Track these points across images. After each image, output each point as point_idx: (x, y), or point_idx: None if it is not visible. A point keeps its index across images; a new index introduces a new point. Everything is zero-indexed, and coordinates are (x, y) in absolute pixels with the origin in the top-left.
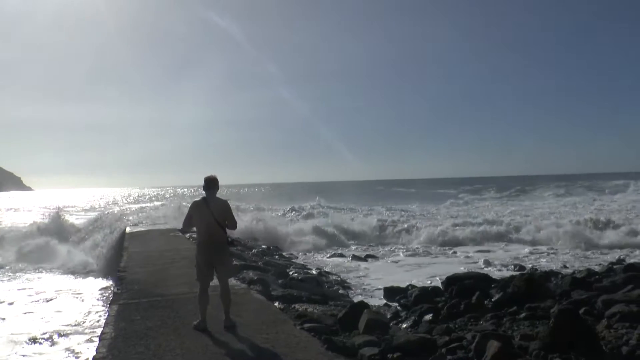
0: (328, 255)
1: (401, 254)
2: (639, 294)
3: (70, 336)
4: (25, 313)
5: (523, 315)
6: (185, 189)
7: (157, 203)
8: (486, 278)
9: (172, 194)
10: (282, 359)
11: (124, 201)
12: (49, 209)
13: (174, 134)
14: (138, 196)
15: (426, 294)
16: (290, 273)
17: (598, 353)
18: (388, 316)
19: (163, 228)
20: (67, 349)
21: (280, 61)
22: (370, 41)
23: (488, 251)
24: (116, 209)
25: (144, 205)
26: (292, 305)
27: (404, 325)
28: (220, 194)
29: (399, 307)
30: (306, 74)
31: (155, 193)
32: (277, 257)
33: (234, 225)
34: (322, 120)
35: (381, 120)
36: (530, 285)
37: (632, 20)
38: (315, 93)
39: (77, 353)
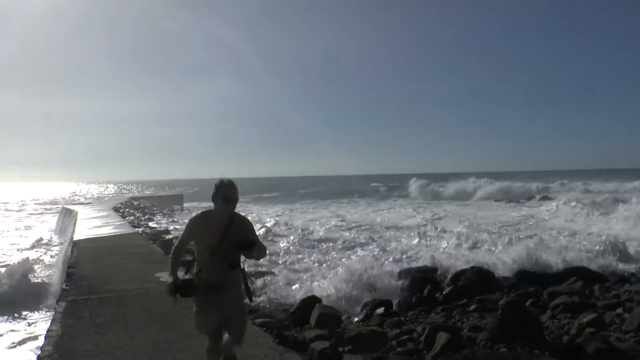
0: None
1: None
2: (581, 286)
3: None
4: None
5: (473, 307)
6: (132, 185)
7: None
8: (437, 271)
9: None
10: None
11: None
12: None
13: (141, 129)
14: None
15: None
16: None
17: (542, 343)
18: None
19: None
20: (14, 349)
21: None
22: (358, 38)
23: None
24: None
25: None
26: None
27: (356, 319)
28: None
29: None
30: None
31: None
32: None
33: None
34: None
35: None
36: (480, 278)
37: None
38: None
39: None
